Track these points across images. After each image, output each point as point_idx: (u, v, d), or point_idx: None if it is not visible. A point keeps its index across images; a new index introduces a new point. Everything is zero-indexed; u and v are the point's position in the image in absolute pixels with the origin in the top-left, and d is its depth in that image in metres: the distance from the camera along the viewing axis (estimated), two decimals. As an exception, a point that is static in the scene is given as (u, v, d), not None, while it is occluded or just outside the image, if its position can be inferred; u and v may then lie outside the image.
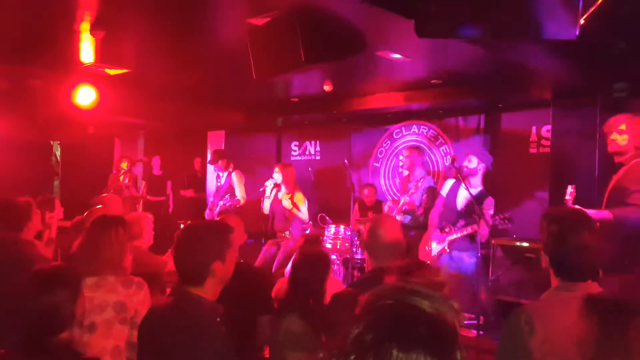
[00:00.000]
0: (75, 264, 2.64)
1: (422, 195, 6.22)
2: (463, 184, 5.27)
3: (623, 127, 3.83)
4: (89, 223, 3.81)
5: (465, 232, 5.27)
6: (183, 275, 2.13)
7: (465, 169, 5.35)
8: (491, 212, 5.24)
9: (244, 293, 2.80)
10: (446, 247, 5.41)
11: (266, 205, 6.91)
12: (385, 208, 6.61)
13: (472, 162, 5.41)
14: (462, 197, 5.39)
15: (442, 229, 5.48)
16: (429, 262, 5.27)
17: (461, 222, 5.32)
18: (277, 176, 6.84)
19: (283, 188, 6.83)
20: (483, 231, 5.04)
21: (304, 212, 6.76)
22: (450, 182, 5.68)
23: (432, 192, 6.33)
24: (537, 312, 2.06)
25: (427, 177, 6.59)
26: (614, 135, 3.88)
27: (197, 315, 2.08)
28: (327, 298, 2.84)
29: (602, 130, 4.12)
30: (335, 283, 3.73)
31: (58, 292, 2.03)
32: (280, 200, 6.75)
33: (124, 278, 2.65)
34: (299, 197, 6.80)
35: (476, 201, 5.11)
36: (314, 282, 2.92)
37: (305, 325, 2.76)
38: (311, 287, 2.92)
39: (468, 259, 5.34)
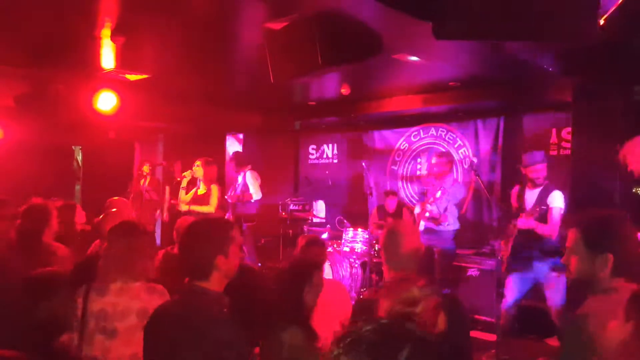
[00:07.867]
0: (100, 269, 2.64)
1: (446, 203, 6.15)
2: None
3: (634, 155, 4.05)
4: (103, 226, 3.89)
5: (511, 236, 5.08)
6: (189, 270, 2.18)
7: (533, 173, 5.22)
8: (560, 206, 5.06)
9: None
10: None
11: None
12: (417, 209, 6.49)
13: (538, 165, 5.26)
14: (529, 199, 5.26)
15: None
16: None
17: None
18: (198, 171, 6.88)
19: (201, 184, 6.96)
20: (544, 231, 4.94)
21: (211, 205, 6.86)
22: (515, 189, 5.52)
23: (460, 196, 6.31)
24: (598, 314, 1.98)
25: (455, 184, 6.53)
26: (631, 166, 4.07)
27: (204, 305, 2.12)
28: (325, 302, 2.77)
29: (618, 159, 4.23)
30: (336, 287, 3.65)
31: (52, 297, 2.09)
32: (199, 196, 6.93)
33: (148, 285, 2.63)
34: (214, 190, 6.89)
35: (541, 198, 5.08)
36: (299, 293, 2.70)
37: (309, 336, 2.65)
38: (300, 298, 2.71)
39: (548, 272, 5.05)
